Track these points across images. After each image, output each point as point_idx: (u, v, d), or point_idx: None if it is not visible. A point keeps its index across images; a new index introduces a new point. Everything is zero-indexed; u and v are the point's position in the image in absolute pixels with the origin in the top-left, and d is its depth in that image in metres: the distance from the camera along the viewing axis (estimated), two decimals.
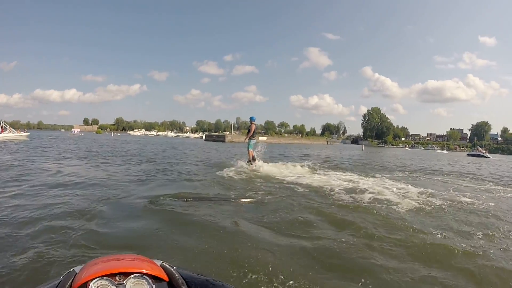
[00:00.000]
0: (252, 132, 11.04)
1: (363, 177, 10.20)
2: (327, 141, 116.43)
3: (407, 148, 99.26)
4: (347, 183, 8.70)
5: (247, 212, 5.29)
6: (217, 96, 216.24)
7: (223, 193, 6.79)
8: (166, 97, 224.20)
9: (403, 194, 7.13)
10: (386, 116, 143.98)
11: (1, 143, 26.03)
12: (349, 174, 11.22)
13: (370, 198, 6.54)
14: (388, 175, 11.44)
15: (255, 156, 11.28)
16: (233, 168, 10.51)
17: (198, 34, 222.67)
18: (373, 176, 10.79)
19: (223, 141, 62.60)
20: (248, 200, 6.17)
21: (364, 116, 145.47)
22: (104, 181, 7.73)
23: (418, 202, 6.32)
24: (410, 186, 8.43)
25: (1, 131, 31.39)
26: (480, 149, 60.28)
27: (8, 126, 33.60)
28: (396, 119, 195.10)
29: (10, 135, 31.84)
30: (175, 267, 1.05)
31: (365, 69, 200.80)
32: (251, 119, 11.32)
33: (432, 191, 7.95)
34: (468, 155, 55.26)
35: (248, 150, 11.22)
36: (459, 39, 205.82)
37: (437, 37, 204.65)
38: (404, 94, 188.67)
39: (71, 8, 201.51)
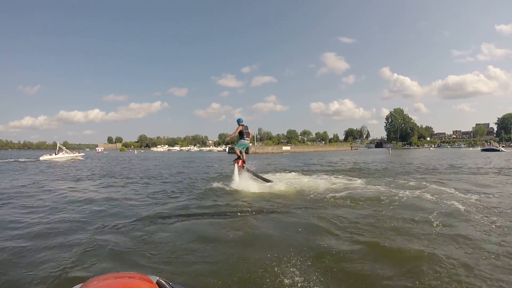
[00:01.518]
0: (236, 132, 10.61)
1: (411, 184, 9.54)
2: (351, 147, 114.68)
3: (431, 149, 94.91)
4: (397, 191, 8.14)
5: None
6: (237, 109, 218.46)
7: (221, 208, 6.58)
8: (187, 112, 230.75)
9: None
10: (409, 116, 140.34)
11: (64, 162, 29.07)
12: (388, 179, 10.63)
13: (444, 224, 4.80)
14: (432, 179, 10.88)
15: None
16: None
17: (214, 48, 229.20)
18: (419, 181, 10.15)
19: (247, 153, 62.13)
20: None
21: (387, 118, 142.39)
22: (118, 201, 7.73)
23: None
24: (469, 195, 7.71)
25: (57, 153, 33.33)
26: (494, 143, 67.65)
27: (64, 148, 35.62)
28: (419, 119, 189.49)
29: (67, 155, 33.93)
30: (171, 283, 1.11)
31: (383, 70, 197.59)
32: (238, 121, 10.68)
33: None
34: (482, 150, 56.23)
35: (235, 148, 10.86)
36: (475, 30, 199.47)
37: (452, 30, 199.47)
38: (425, 93, 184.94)
39: (90, 25, 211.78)
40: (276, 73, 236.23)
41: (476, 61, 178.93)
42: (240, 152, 10.66)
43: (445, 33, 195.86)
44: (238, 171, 10.49)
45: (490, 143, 71.01)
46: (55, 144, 35.98)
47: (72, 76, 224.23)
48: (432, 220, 4.97)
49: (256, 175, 10.55)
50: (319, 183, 9.92)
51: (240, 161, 10.66)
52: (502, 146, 55.94)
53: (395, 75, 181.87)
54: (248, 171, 10.58)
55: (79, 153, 38.56)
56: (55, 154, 32.61)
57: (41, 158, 30.86)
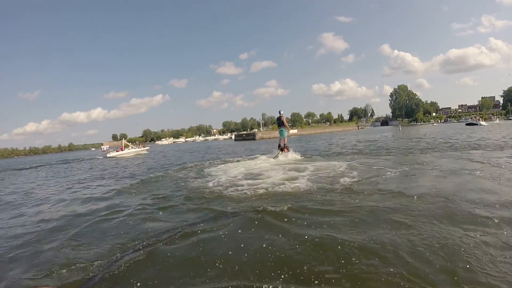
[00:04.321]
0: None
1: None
2: (358, 126, 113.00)
3: (434, 124, 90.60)
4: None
5: None
6: (239, 96, 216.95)
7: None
8: (188, 103, 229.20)
9: None
10: (414, 92, 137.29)
11: (130, 157, 29.75)
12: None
13: None
14: None
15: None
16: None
17: (211, 36, 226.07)
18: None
19: (254, 139, 61.47)
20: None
21: (391, 95, 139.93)
22: None
23: None
24: None
25: (122, 149, 35.20)
26: (475, 118, 74.14)
27: (130, 144, 38.10)
28: (422, 95, 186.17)
29: (133, 150, 35.48)
30: None
31: (383, 47, 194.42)
32: (280, 112, 12.69)
33: None
34: (467, 124, 58.41)
35: (284, 137, 12.53)
36: (475, 2, 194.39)
37: (451, 4, 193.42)
38: (426, 68, 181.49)
39: (84, 25, 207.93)
40: (275, 57, 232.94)
41: (477, 34, 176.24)
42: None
43: (444, 7, 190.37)
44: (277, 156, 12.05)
45: (472, 118, 77.21)
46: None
47: (71, 77, 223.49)
48: None
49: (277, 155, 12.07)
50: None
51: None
52: (482, 120, 60.32)
53: (395, 51, 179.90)
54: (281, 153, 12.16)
55: (144, 147, 39.48)
56: (122, 150, 34.50)
57: (108, 155, 33.57)
